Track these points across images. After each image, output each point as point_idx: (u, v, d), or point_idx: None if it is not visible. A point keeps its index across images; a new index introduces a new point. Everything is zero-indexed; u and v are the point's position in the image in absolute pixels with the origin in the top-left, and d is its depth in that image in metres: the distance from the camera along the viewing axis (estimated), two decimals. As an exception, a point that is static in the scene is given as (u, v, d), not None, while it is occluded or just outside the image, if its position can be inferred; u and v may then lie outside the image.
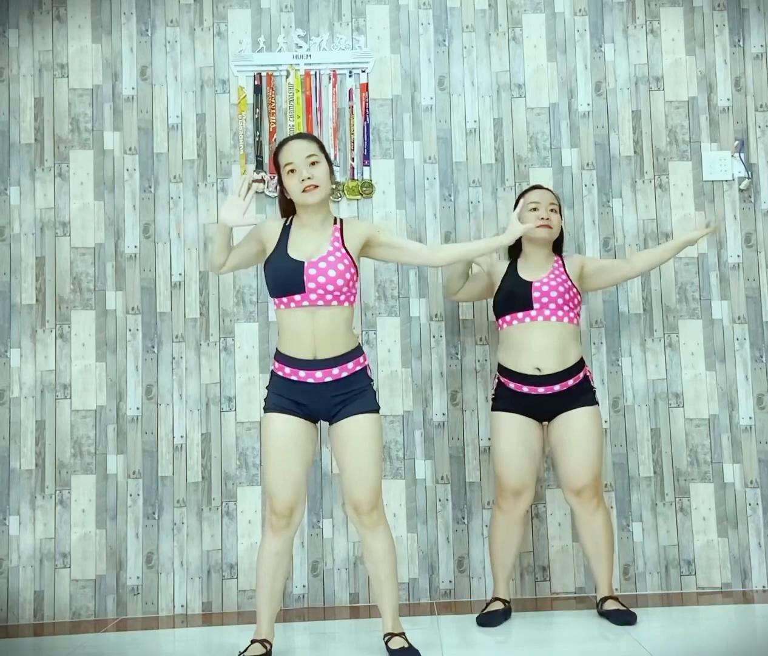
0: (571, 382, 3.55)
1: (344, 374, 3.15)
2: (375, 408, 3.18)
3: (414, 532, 4.03)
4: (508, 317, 3.61)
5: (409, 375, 4.09)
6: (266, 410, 3.19)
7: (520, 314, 3.58)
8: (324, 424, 3.25)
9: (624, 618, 3.45)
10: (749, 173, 4.18)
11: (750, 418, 4.08)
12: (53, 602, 3.97)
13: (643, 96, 4.23)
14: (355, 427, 3.13)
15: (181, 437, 4.05)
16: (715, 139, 4.21)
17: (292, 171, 3.17)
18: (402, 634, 3.15)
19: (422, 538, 4.02)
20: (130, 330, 4.09)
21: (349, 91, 4.19)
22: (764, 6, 4.26)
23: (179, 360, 4.08)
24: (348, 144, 4.17)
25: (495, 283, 3.71)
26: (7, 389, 4.05)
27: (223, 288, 4.11)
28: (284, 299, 3.16)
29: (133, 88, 4.20)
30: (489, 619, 3.54)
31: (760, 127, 4.22)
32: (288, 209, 3.28)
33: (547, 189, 3.74)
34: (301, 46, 4.20)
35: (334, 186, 3.48)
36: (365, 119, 4.17)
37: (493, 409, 3.65)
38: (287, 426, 3.13)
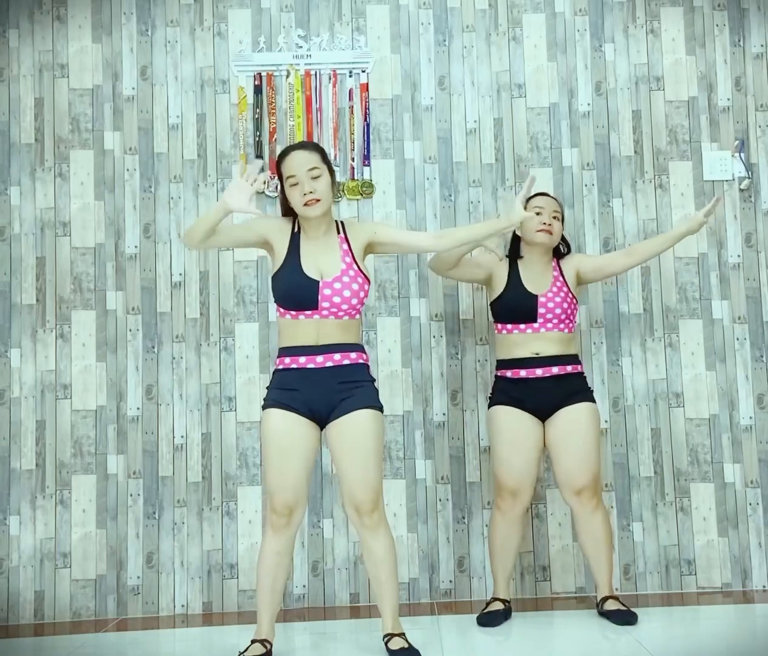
0: (569, 368, 3.57)
1: (346, 362, 3.13)
2: (376, 404, 3.15)
3: (414, 532, 4.03)
4: (509, 326, 3.63)
5: (410, 375, 4.09)
6: (265, 406, 3.18)
7: (522, 325, 3.60)
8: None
9: (625, 618, 3.45)
10: (749, 172, 4.18)
11: (750, 418, 4.08)
12: (53, 602, 3.97)
13: (644, 96, 4.23)
14: (356, 423, 3.10)
15: (182, 437, 4.05)
16: (716, 139, 4.21)
17: (294, 184, 3.15)
18: (402, 634, 3.14)
19: (422, 538, 4.03)
20: (130, 330, 4.09)
21: (350, 91, 4.19)
22: (764, 6, 4.26)
23: (179, 360, 4.08)
24: (348, 144, 4.17)
25: (494, 283, 3.70)
26: (8, 389, 4.05)
27: (224, 288, 4.11)
28: (292, 312, 3.16)
29: (133, 88, 4.20)
30: (489, 619, 3.54)
31: (760, 127, 4.22)
32: (290, 209, 3.27)
33: (553, 197, 3.75)
34: (301, 46, 4.20)
35: (338, 198, 3.44)
36: (365, 119, 4.17)
37: (491, 405, 3.65)
38: (287, 424, 3.12)
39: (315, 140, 4.08)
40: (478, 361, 4.10)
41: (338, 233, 3.23)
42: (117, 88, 4.19)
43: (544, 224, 3.62)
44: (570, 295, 3.65)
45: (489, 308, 3.78)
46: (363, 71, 4.20)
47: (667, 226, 4.15)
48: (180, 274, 4.12)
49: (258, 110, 4.16)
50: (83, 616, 3.96)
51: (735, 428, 4.08)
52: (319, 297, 3.11)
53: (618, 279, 4.10)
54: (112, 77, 4.20)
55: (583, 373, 3.66)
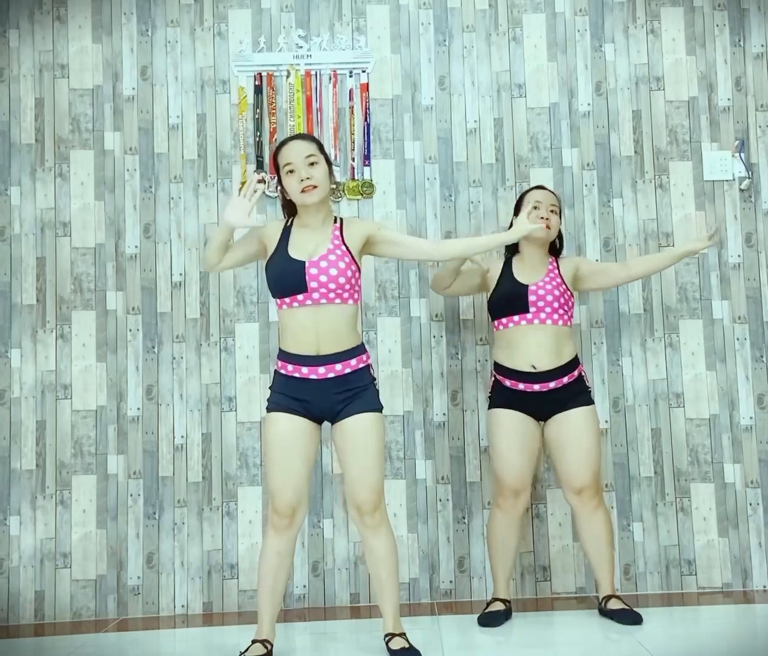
0: (566, 379, 3.57)
1: (347, 371, 3.15)
2: (377, 407, 3.18)
3: (414, 532, 4.03)
4: (504, 320, 3.64)
5: (410, 375, 4.09)
6: (269, 409, 3.19)
7: (516, 317, 3.60)
8: (326, 424, 3.25)
9: (631, 617, 3.44)
10: (750, 172, 4.18)
11: (750, 418, 4.08)
12: (54, 602, 3.97)
13: (644, 96, 4.23)
14: (357, 426, 3.13)
15: (182, 437, 4.05)
16: (716, 139, 4.21)
17: (291, 171, 3.19)
18: (403, 634, 3.15)
19: (423, 538, 4.03)
20: (130, 330, 4.09)
21: (350, 91, 4.19)
22: (764, 6, 4.26)
23: (180, 360, 4.08)
24: (348, 144, 4.17)
25: (491, 281, 3.72)
26: (8, 389, 4.05)
27: (224, 288, 4.11)
28: (287, 300, 3.16)
29: (133, 89, 4.20)
30: (490, 619, 3.54)
31: (760, 127, 4.22)
32: (291, 209, 3.28)
33: (550, 191, 3.76)
34: (301, 46, 4.20)
35: (333, 186, 3.47)
36: (365, 119, 4.17)
37: (490, 406, 3.66)
38: (289, 425, 3.13)
39: (315, 140, 4.08)
40: (478, 361, 4.10)
41: (334, 223, 3.25)
42: (117, 89, 4.19)
43: (542, 218, 3.62)
44: (564, 286, 3.64)
45: (488, 309, 3.77)
46: (363, 71, 4.20)
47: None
48: (180, 274, 4.12)
49: (258, 110, 4.16)
50: (83, 616, 3.96)
51: (735, 429, 4.08)
52: (307, 277, 3.11)
53: (618, 279, 4.10)
54: (112, 77, 4.20)
55: (582, 374, 3.65)
